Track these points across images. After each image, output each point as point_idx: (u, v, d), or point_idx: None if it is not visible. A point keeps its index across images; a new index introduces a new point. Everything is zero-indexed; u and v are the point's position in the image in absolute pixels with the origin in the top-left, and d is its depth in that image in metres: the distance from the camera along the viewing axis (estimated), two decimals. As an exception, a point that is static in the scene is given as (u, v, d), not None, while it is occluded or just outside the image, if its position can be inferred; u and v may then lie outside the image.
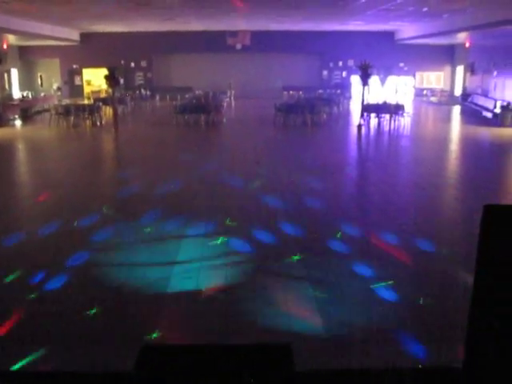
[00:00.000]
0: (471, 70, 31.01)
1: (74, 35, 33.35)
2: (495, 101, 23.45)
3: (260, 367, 2.02)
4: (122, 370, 2.17)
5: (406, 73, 34.90)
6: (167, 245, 7.45)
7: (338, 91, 32.30)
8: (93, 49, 34.43)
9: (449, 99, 33.63)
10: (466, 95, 29.66)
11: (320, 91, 31.51)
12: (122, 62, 34.93)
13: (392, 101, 23.54)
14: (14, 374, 2.13)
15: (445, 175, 12.73)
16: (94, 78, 35.83)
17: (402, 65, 35.64)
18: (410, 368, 2.29)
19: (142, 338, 4.75)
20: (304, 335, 4.64)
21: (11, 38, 27.47)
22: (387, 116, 21.35)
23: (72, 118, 21.94)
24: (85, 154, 16.09)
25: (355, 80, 30.83)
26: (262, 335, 4.59)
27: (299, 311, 5.34)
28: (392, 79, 33.23)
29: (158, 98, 34.59)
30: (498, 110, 22.46)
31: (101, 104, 23.67)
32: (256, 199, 9.87)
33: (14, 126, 23.11)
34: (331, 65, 36.54)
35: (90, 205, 9.70)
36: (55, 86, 35.94)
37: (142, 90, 33.65)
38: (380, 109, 21.65)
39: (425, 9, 21.07)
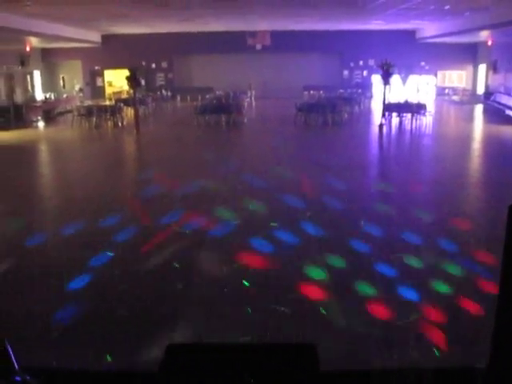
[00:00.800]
0: (494, 68, 30.70)
1: (96, 37, 33.62)
2: (518, 99, 23.23)
3: (284, 367, 2.03)
4: (147, 369, 2.19)
5: (428, 72, 34.65)
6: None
7: (359, 90, 32.17)
8: (114, 50, 34.68)
9: (471, 98, 33.33)
10: (488, 94, 29.35)
11: (341, 91, 31.39)
12: (143, 63, 35.10)
13: (413, 100, 23.40)
14: (41, 370, 2.16)
15: (467, 174, 12.64)
16: (116, 79, 36.10)
17: (423, 64, 35.39)
18: (432, 368, 2.29)
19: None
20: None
21: (34, 41, 27.77)
22: (409, 115, 21.22)
23: (94, 119, 22.14)
24: (107, 155, 16.25)
25: (376, 79, 30.71)
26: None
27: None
28: (413, 78, 33.03)
29: (178, 98, 34.74)
30: (521, 109, 22.25)
31: (122, 105, 23.85)
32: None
33: (37, 127, 23.38)
34: (352, 64, 36.40)
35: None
36: (77, 88, 36.26)
37: (163, 91, 33.81)
38: (401, 108, 21.53)
39: (446, 7, 20.90)
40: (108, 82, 37.03)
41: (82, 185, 11.90)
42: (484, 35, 27.64)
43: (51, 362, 3.93)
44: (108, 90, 36.29)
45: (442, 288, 5.85)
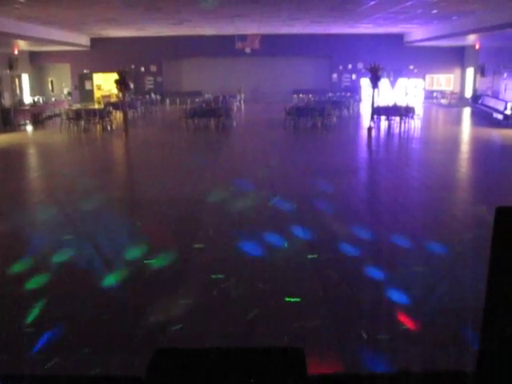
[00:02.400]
0: (481, 71, 30.87)
1: (85, 40, 33.52)
2: (506, 102, 23.30)
3: (272, 371, 2.02)
4: (134, 374, 2.17)
5: (416, 75, 34.80)
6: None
7: (348, 94, 32.26)
8: (103, 54, 34.57)
9: (459, 101, 33.52)
10: (476, 97, 29.52)
11: (330, 94, 31.49)
12: (132, 66, 35.03)
13: (402, 103, 23.50)
14: (21, 378, 2.13)
15: (456, 177, 12.68)
16: (105, 83, 36.03)
17: (411, 67, 35.54)
18: (421, 372, 2.28)
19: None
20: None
21: (22, 44, 27.63)
22: (397, 118, 21.32)
23: (83, 122, 22.04)
24: (95, 159, 16.18)
25: (365, 83, 30.81)
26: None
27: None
28: (402, 81, 33.18)
29: (168, 102, 34.70)
30: (508, 112, 22.34)
31: (111, 108, 23.77)
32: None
33: (25, 130, 23.25)
34: (341, 68, 36.45)
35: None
36: (66, 91, 36.13)
37: (152, 95, 33.71)
38: (390, 111, 21.62)
39: (434, 11, 21.01)
40: (97, 85, 36.87)
41: (68, 189, 11.82)
42: (471, 39, 27.81)
43: (34, 370, 3.89)
44: (97, 94, 36.14)
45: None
